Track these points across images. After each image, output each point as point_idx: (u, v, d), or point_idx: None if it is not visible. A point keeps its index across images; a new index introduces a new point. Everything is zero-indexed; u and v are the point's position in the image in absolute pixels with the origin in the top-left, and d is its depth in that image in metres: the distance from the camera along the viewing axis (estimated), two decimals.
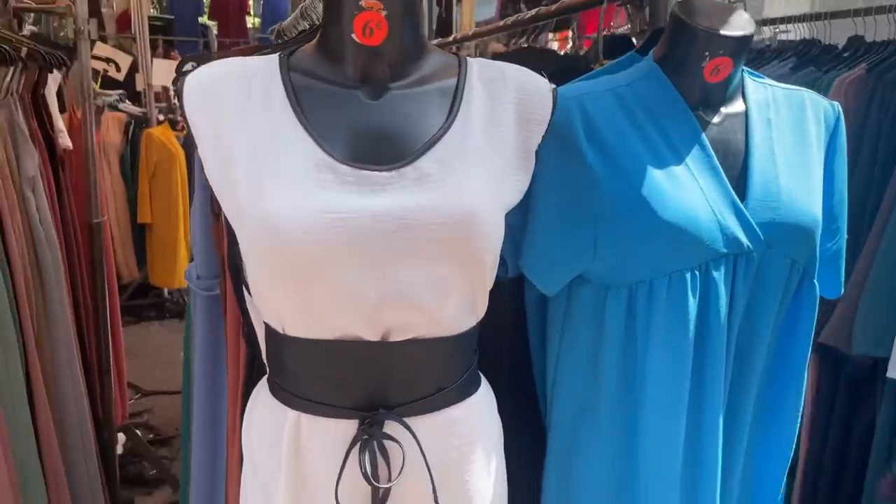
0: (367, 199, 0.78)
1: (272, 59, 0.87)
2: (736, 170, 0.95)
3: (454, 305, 0.83)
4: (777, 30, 2.38)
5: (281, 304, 0.83)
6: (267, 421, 0.89)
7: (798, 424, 1.04)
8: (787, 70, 2.03)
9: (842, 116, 1.04)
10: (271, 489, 0.86)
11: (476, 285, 0.85)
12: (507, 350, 1.17)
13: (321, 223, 0.76)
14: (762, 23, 2.27)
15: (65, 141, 2.17)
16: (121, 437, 2.71)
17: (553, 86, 0.92)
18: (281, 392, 0.87)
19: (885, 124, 1.69)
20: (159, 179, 4.25)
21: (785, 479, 1.08)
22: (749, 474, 1.03)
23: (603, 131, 0.92)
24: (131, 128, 4.40)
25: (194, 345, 1.40)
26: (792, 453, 1.05)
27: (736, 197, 0.92)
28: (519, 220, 0.98)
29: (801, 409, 1.04)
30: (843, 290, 1.08)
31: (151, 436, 2.96)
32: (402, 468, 0.82)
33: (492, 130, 0.86)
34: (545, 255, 0.97)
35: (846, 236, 1.08)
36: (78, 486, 1.91)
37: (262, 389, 0.92)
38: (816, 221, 0.95)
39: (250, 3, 7.81)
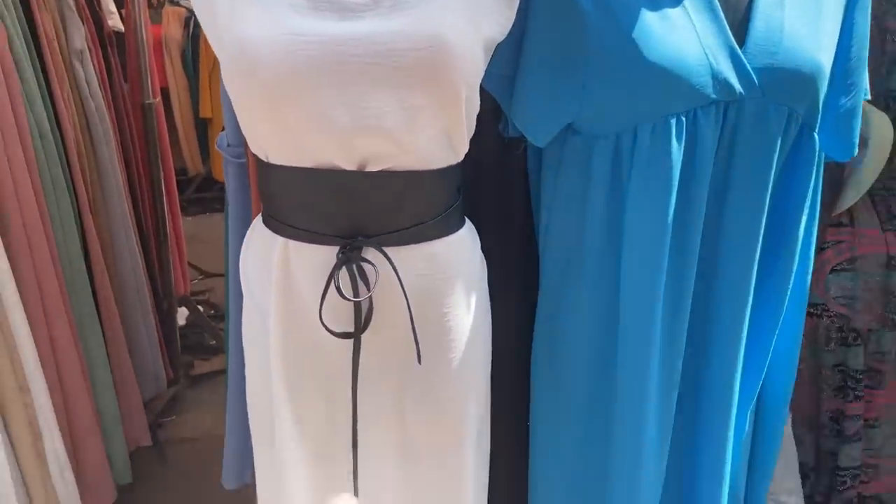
0: (340, 24, 0.80)
1: None
2: (739, 13, 0.91)
3: (428, 138, 0.85)
4: None
5: (260, 130, 0.87)
6: (260, 248, 0.95)
7: (789, 284, 1.03)
8: None
9: None
10: (265, 311, 0.93)
11: (451, 119, 0.85)
12: (519, 205, 1.19)
13: (291, 46, 0.78)
14: None
15: (115, 22, 2.24)
16: (183, 311, 2.92)
17: None
18: (270, 220, 0.93)
19: None
20: (220, 73, 4.32)
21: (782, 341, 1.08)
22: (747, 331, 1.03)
23: None
24: (191, 22, 4.46)
25: (227, 211, 1.49)
26: (782, 310, 1.04)
27: (733, 40, 0.89)
28: (514, 71, 0.98)
29: (792, 269, 1.02)
30: (856, 152, 1.04)
31: (213, 312, 3.17)
32: (375, 283, 0.87)
33: None
34: (534, 104, 0.97)
35: (868, 95, 1.04)
36: (138, 346, 2.09)
37: (257, 222, 0.98)
38: (820, 69, 0.91)
39: None
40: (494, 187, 1.23)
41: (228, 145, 1.43)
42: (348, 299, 0.86)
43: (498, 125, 1.09)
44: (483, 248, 1.02)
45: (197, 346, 2.85)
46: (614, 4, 0.90)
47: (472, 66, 0.85)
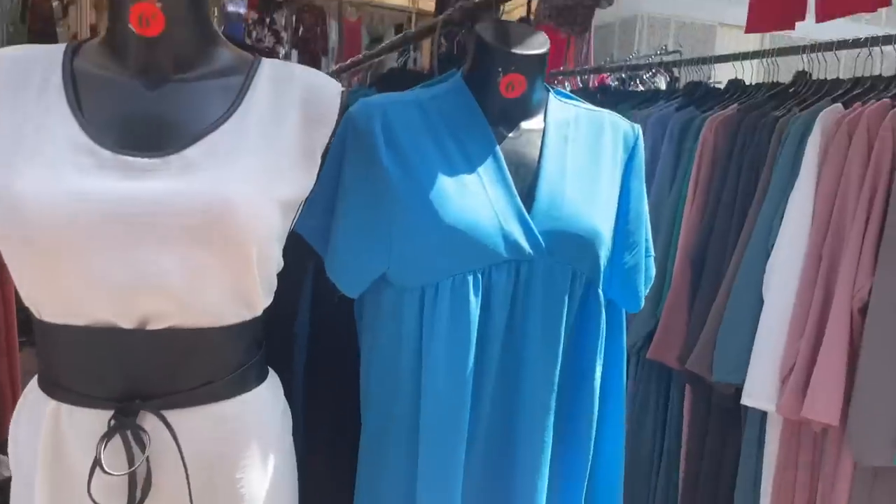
0: (124, 184, 0.79)
1: (58, 48, 0.89)
2: (527, 181, 1.00)
3: (215, 295, 0.84)
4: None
5: (32, 288, 0.83)
6: (32, 413, 0.88)
7: (593, 434, 1.06)
8: (671, 109, 2.12)
9: (640, 139, 1.10)
10: (32, 483, 0.85)
11: (241, 277, 0.84)
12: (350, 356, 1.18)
13: (68, 205, 0.76)
14: (713, 60, 2.34)
15: None
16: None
17: (342, 88, 0.95)
18: (45, 381, 0.87)
19: (745, 162, 1.77)
20: None
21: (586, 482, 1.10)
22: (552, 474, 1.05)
23: (401, 138, 0.97)
24: None
25: None
26: (589, 453, 1.07)
27: (522, 206, 0.97)
28: (328, 222, 1.01)
29: (593, 413, 1.06)
30: (642, 305, 1.12)
31: None
32: (147, 451, 0.82)
33: (271, 128, 0.88)
34: (345, 257, 1.01)
35: (652, 253, 1.13)
36: None
37: (33, 383, 0.91)
38: (597, 233, 1.00)
39: None
40: (332, 331, 1.22)
41: None
42: (111, 473, 0.80)
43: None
44: (317, 394, 1.00)
45: None
46: (414, 168, 0.96)
47: (265, 228, 0.85)
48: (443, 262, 0.95)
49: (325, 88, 0.93)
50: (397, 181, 0.96)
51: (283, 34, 6.00)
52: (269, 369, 0.97)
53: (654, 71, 3.09)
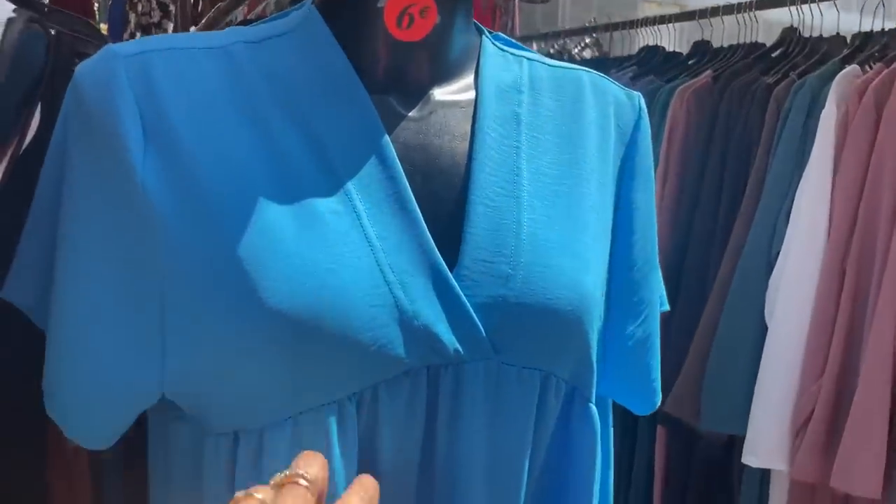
0: None
1: None
2: (447, 205, 0.52)
3: None
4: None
5: None
6: None
7: None
8: (625, 80, 1.70)
9: (645, 114, 0.65)
10: None
11: None
12: None
13: None
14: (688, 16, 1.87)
15: None
16: None
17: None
18: None
19: (731, 144, 1.37)
20: None
21: None
22: None
23: (177, 122, 0.47)
24: None
25: None
26: None
27: (439, 257, 0.50)
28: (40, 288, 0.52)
29: None
30: (658, 402, 0.69)
31: None
32: None
33: None
34: (73, 376, 0.49)
35: (666, 306, 0.69)
36: None
37: None
38: (586, 301, 0.54)
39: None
40: None
41: None
42: None
43: None
44: None
45: None
46: (204, 183, 0.46)
47: None
48: (272, 388, 0.47)
49: None
50: (167, 213, 0.46)
51: (172, 7, 5.29)
52: None
53: (583, 44, 2.75)
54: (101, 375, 0.49)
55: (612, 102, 0.63)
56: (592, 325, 0.54)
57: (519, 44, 0.64)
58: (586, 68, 0.64)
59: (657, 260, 0.67)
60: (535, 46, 3.00)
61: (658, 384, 0.66)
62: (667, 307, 0.69)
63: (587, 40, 2.79)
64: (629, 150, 0.63)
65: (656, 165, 1.49)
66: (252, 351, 0.45)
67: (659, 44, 1.90)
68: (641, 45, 2.02)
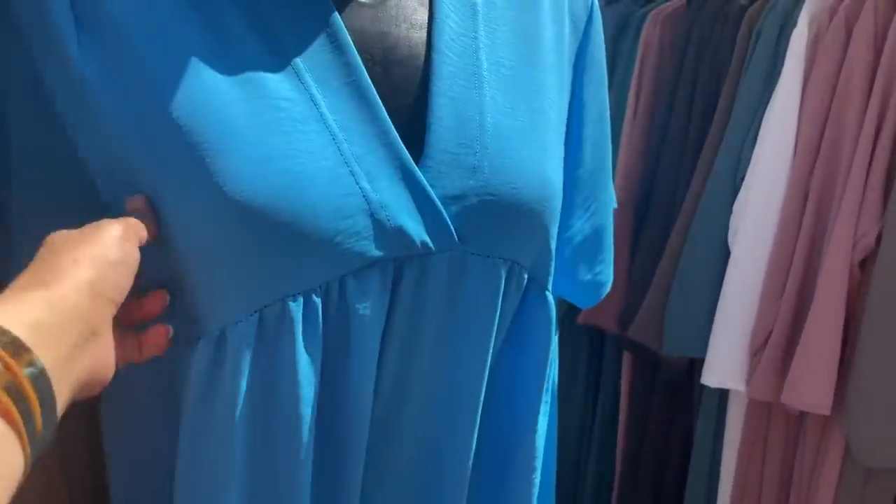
0: None
1: None
2: (407, 97, 0.51)
3: None
4: None
5: None
6: None
7: (536, 476, 0.63)
8: (601, 3, 1.66)
9: (597, 8, 0.64)
10: None
11: None
12: None
13: None
14: None
15: None
16: None
17: None
18: None
19: (703, 69, 1.36)
20: None
21: None
22: None
23: (115, 4, 0.45)
24: None
25: None
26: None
27: (404, 149, 0.49)
28: None
29: (535, 460, 0.62)
30: (607, 291, 0.69)
31: None
32: None
33: None
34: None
35: (614, 202, 0.69)
36: None
37: None
38: (549, 191, 0.54)
39: None
40: None
41: None
42: None
43: None
44: None
45: None
46: (152, 70, 0.45)
47: None
48: (234, 281, 0.46)
49: None
50: (110, 104, 0.45)
51: None
52: None
53: None
54: None
55: None
56: (555, 214, 0.55)
57: None
58: None
59: (609, 158, 0.66)
60: None
61: (604, 277, 0.67)
62: (615, 204, 0.69)
63: None
64: (582, 43, 0.62)
65: (626, 94, 1.48)
66: (212, 240, 0.45)
67: None
68: None
